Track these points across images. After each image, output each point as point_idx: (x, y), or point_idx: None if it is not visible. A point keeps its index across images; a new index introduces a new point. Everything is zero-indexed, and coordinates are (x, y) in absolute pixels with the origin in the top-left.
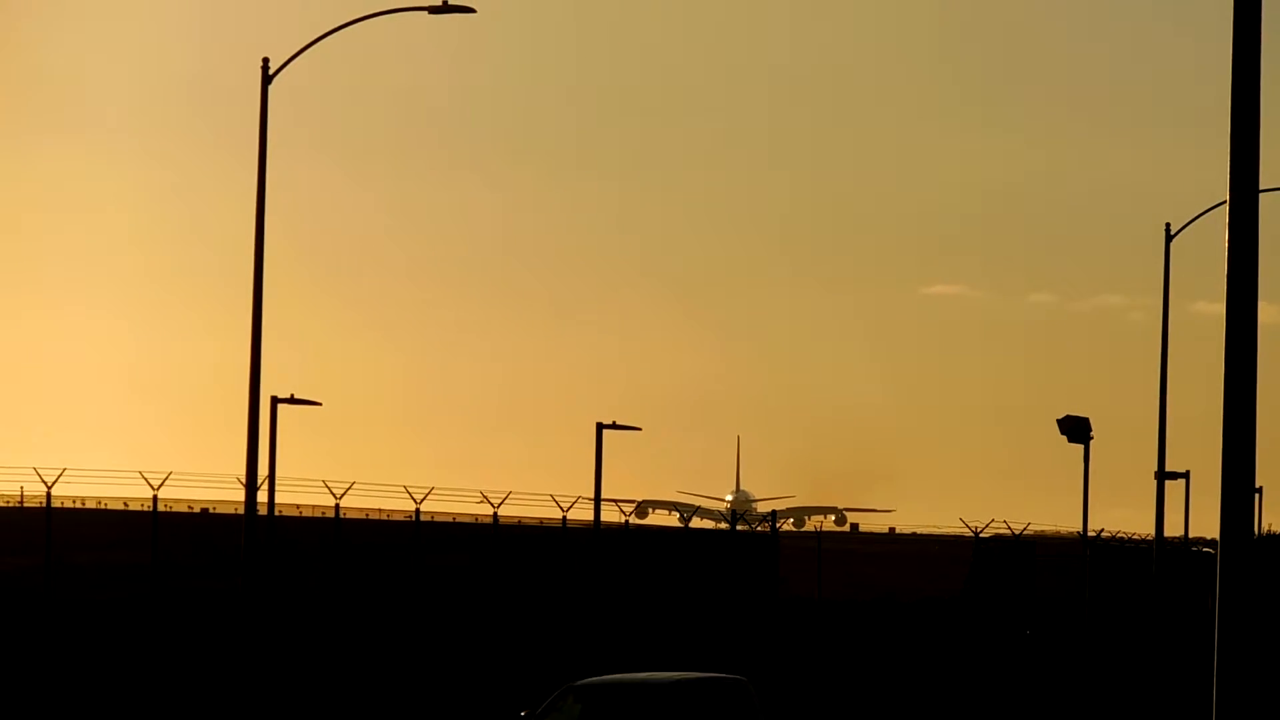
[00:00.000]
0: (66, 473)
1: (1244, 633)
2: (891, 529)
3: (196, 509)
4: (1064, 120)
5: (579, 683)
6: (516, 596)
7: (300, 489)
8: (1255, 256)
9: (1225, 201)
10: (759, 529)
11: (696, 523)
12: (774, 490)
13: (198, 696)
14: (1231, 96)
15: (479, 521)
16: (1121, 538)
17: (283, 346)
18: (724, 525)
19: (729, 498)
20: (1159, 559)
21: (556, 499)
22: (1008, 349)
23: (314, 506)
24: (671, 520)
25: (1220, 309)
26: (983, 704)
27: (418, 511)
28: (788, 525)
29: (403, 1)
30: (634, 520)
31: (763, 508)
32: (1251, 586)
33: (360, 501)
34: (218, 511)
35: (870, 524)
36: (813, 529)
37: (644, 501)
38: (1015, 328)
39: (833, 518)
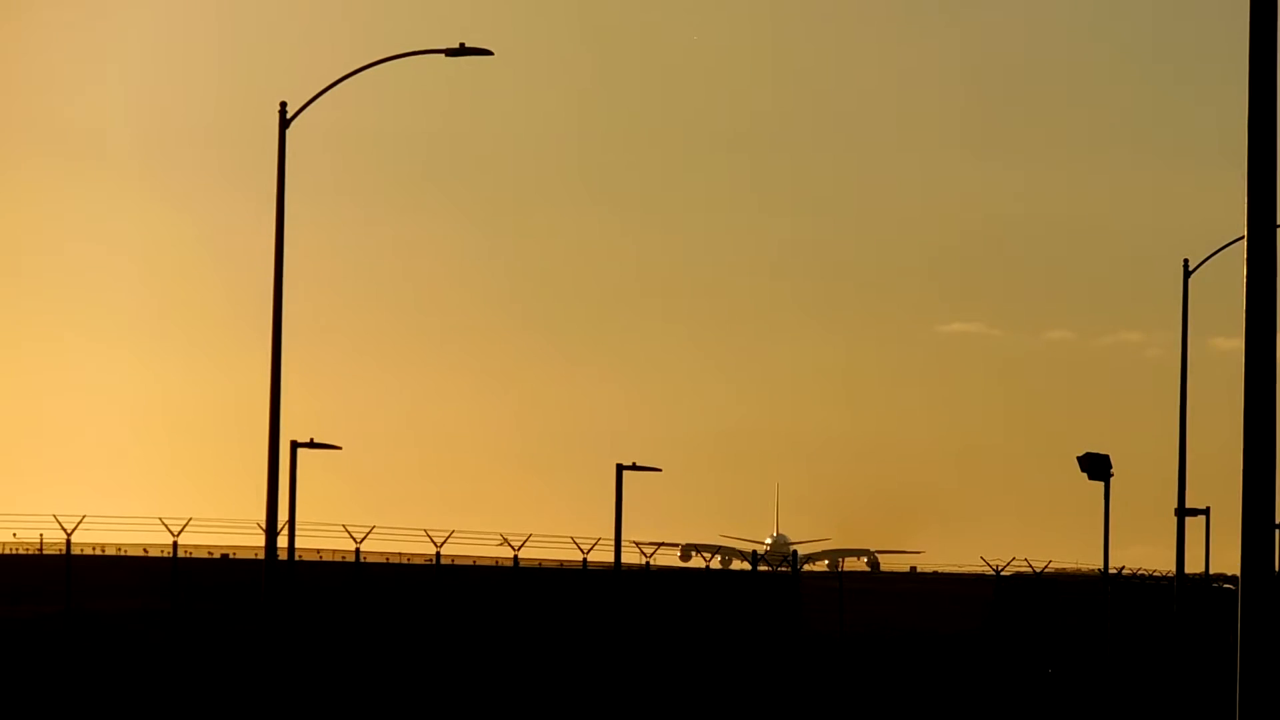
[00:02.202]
0: (86, 519)
1: (1266, 669)
2: (913, 568)
3: (217, 554)
4: (1081, 157)
5: None
6: (536, 637)
7: (321, 533)
8: (1274, 291)
9: (1243, 237)
10: (781, 569)
11: (718, 564)
12: (807, 532)
13: None
14: (1248, 132)
15: (499, 564)
16: (1142, 574)
17: (302, 391)
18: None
19: (768, 541)
20: (1180, 595)
21: (577, 541)
22: (1026, 386)
23: (334, 551)
24: (713, 564)
25: (1239, 344)
26: None
27: (438, 555)
28: (821, 566)
29: (420, 44)
30: (678, 563)
31: (800, 551)
32: (1273, 622)
33: (381, 545)
34: (238, 557)
35: (892, 563)
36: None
37: (688, 545)
38: (1034, 365)
39: (865, 560)
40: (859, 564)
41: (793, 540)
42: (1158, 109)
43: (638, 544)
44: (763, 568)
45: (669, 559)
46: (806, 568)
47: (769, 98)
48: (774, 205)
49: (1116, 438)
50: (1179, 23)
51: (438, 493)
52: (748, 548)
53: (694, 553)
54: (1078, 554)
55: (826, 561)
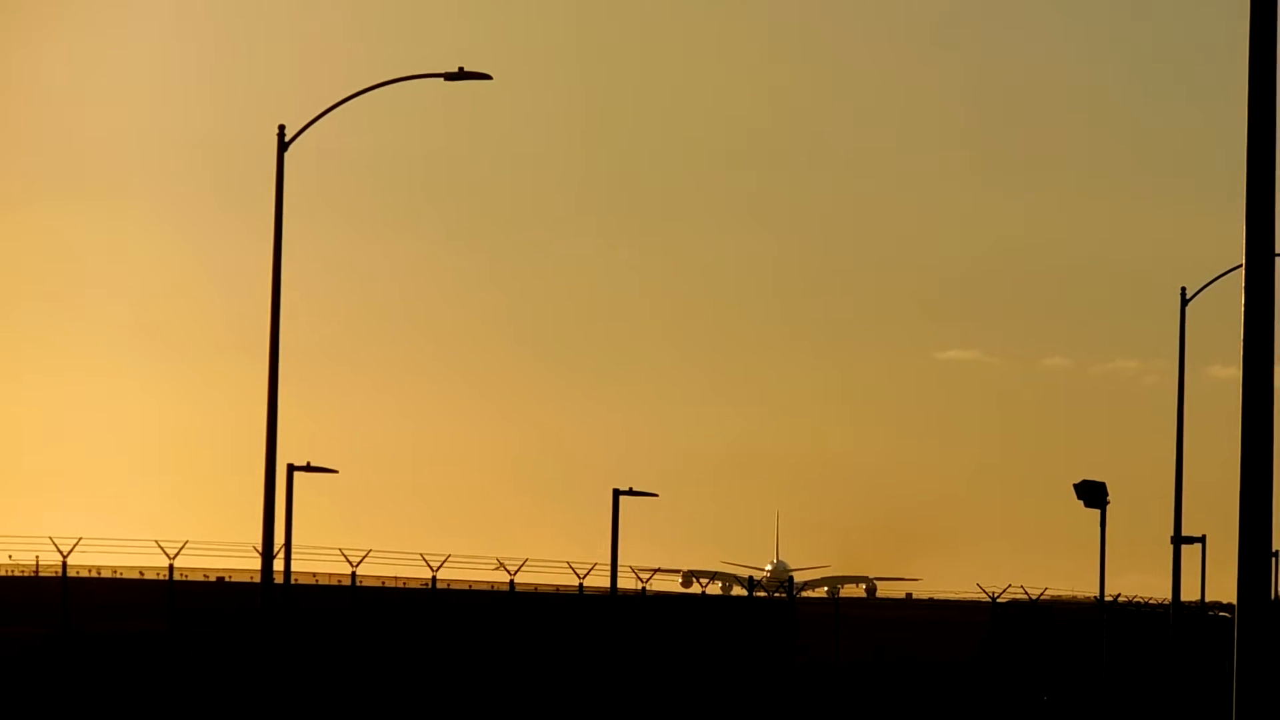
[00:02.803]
0: (82, 542)
1: (1262, 696)
2: (909, 594)
3: (213, 577)
4: (1079, 184)
5: None
6: (533, 663)
7: (317, 557)
8: (1271, 320)
9: (1241, 265)
10: (777, 595)
11: (715, 589)
12: (807, 559)
13: None
14: (1247, 161)
15: (495, 589)
16: (1138, 602)
17: (299, 414)
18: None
19: (768, 568)
20: (1176, 623)
21: (573, 566)
22: (1023, 414)
23: (330, 574)
24: (714, 589)
25: (1236, 373)
26: None
27: (434, 579)
28: (820, 593)
29: (419, 68)
30: (679, 589)
31: (798, 577)
32: (1269, 650)
33: (377, 569)
34: (234, 580)
35: (890, 590)
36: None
37: (690, 571)
38: (1031, 392)
39: (863, 587)
40: (857, 591)
41: (792, 567)
42: (1156, 137)
43: (634, 569)
44: (759, 593)
45: (665, 584)
46: (805, 594)
47: (768, 122)
48: (773, 230)
49: (1113, 465)
50: (1178, 51)
51: (434, 516)
52: (749, 574)
53: (695, 579)
54: (1074, 581)
55: (826, 588)
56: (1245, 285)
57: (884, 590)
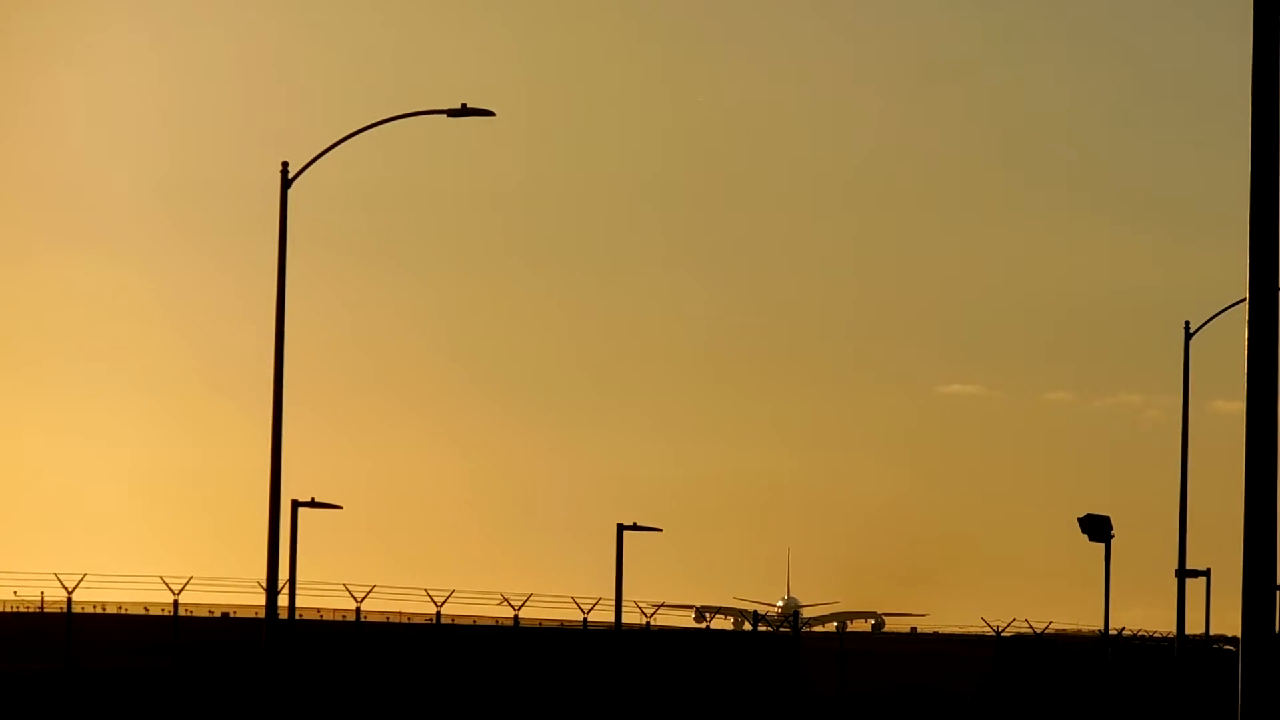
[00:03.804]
0: (87, 578)
1: None
2: (913, 629)
3: (217, 613)
4: (1082, 218)
5: None
6: (537, 698)
7: (321, 593)
8: (1275, 354)
9: (1244, 299)
10: (781, 630)
11: (727, 624)
12: (816, 595)
13: None
14: (1250, 194)
15: (499, 624)
16: (1143, 636)
17: (303, 450)
18: (747, 626)
19: (779, 604)
20: (1180, 657)
21: (577, 601)
22: (1026, 448)
23: (335, 610)
24: (725, 624)
25: (1240, 407)
26: None
27: (438, 614)
28: (829, 628)
29: (422, 105)
30: (689, 624)
31: (808, 613)
32: (1274, 684)
33: (381, 605)
34: (239, 616)
35: (897, 625)
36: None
37: (702, 607)
38: (1034, 426)
39: (870, 621)
40: (865, 626)
41: (802, 603)
42: (1159, 171)
43: (638, 604)
44: (763, 628)
45: (676, 619)
46: (816, 629)
47: (772, 158)
48: (773, 266)
49: (1117, 499)
50: (1180, 84)
51: (438, 552)
52: (762, 610)
53: (708, 614)
54: (1078, 615)
55: (835, 624)
56: (1249, 319)
57: (891, 625)
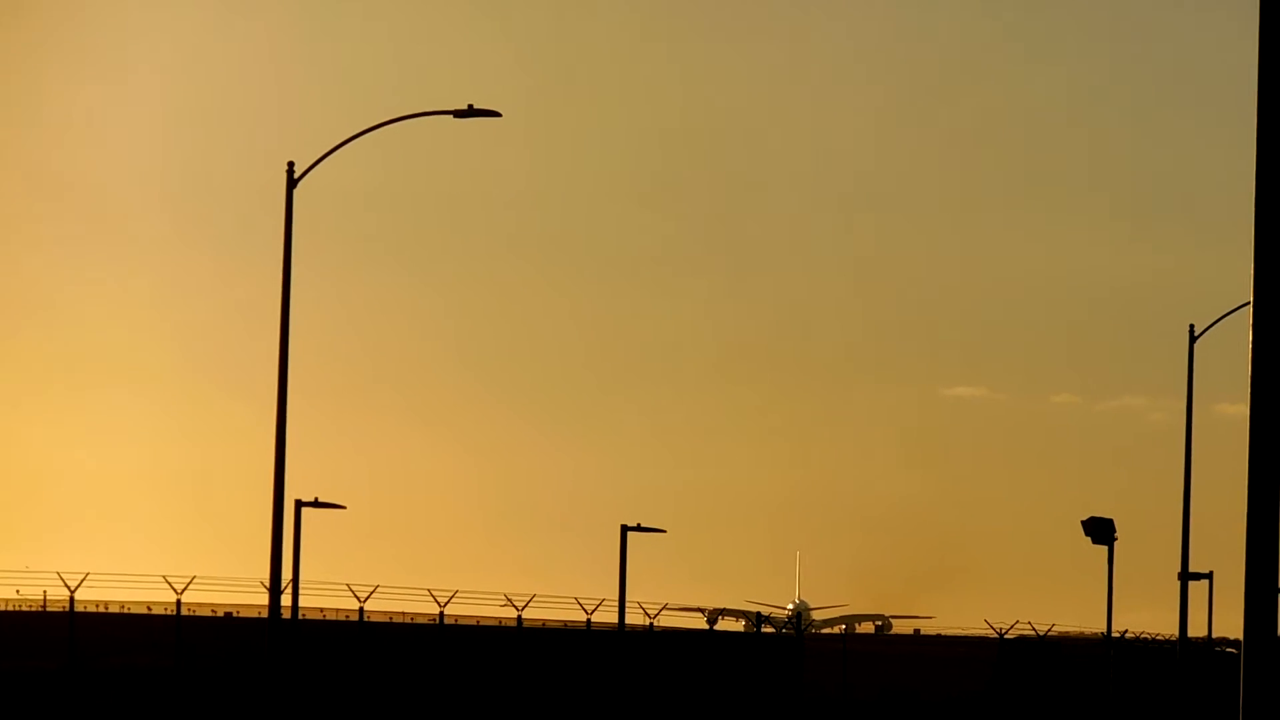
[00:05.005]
0: (90, 577)
1: None
2: (917, 630)
3: (220, 613)
4: (1087, 221)
5: None
6: (540, 698)
7: (324, 592)
8: None
9: (1249, 303)
10: (784, 631)
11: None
12: (825, 598)
13: None
14: (1255, 198)
15: (503, 624)
16: (1145, 638)
17: (307, 450)
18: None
19: (790, 606)
20: (1183, 659)
21: (581, 602)
22: (1030, 450)
23: (338, 610)
24: (735, 626)
25: (1244, 410)
26: None
27: (441, 614)
28: (837, 630)
29: (428, 105)
30: (703, 625)
31: (816, 615)
32: (1276, 686)
33: (384, 605)
34: (242, 615)
35: (903, 628)
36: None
37: (715, 609)
38: (1038, 429)
39: (877, 624)
40: (871, 629)
41: (812, 606)
42: (1165, 174)
43: (641, 605)
44: (767, 629)
45: (685, 621)
46: (825, 631)
47: (774, 159)
48: (778, 268)
49: (1120, 502)
50: (1186, 87)
51: (442, 552)
52: (774, 613)
53: (720, 617)
54: (1081, 617)
55: (843, 626)
56: (1254, 322)
57: (897, 628)
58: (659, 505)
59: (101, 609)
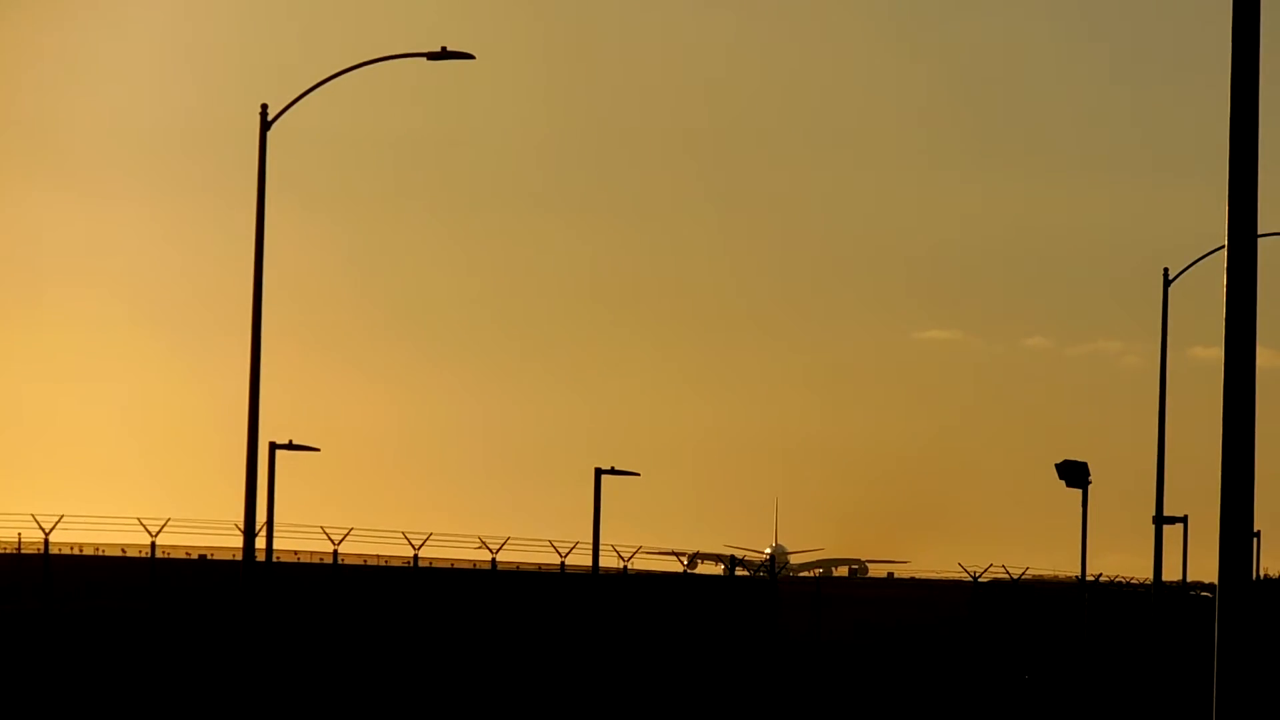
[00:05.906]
0: (64, 519)
1: (1243, 677)
2: (890, 574)
3: (194, 555)
4: (1061, 164)
5: None
6: (514, 640)
7: (298, 535)
8: (1254, 301)
9: (1224, 246)
10: (759, 575)
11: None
12: (801, 542)
13: None
14: (1229, 141)
15: (477, 567)
16: (1120, 582)
17: (281, 393)
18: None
19: (768, 550)
20: (1157, 603)
21: (555, 544)
22: (1004, 394)
23: (312, 552)
24: (715, 570)
25: (1218, 353)
26: None
27: (415, 557)
28: (814, 575)
29: (401, 48)
30: (682, 569)
31: (794, 560)
32: (1250, 630)
33: (358, 548)
34: (216, 558)
35: (875, 571)
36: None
37: (695, 554)
38: (1011, 373)
39: (853, 568)
40: (846, 573)
41: (789, 550)
42: (1138, 117)
43: (616, 548)
44: (741, 572)
45: (656, 564)
46: (802, 574)
47: (747, 106)
48: (751, 212)
49: (1095, 445)
50: (1158, 31)
51: (416, 494)
52: (752, 557)
53: (699, 560)
54: (1056, 561)
55: (819, 570)
56: (1228, 266)
57: (873, 572)
58: (634, 449)
59: (76, 551)
